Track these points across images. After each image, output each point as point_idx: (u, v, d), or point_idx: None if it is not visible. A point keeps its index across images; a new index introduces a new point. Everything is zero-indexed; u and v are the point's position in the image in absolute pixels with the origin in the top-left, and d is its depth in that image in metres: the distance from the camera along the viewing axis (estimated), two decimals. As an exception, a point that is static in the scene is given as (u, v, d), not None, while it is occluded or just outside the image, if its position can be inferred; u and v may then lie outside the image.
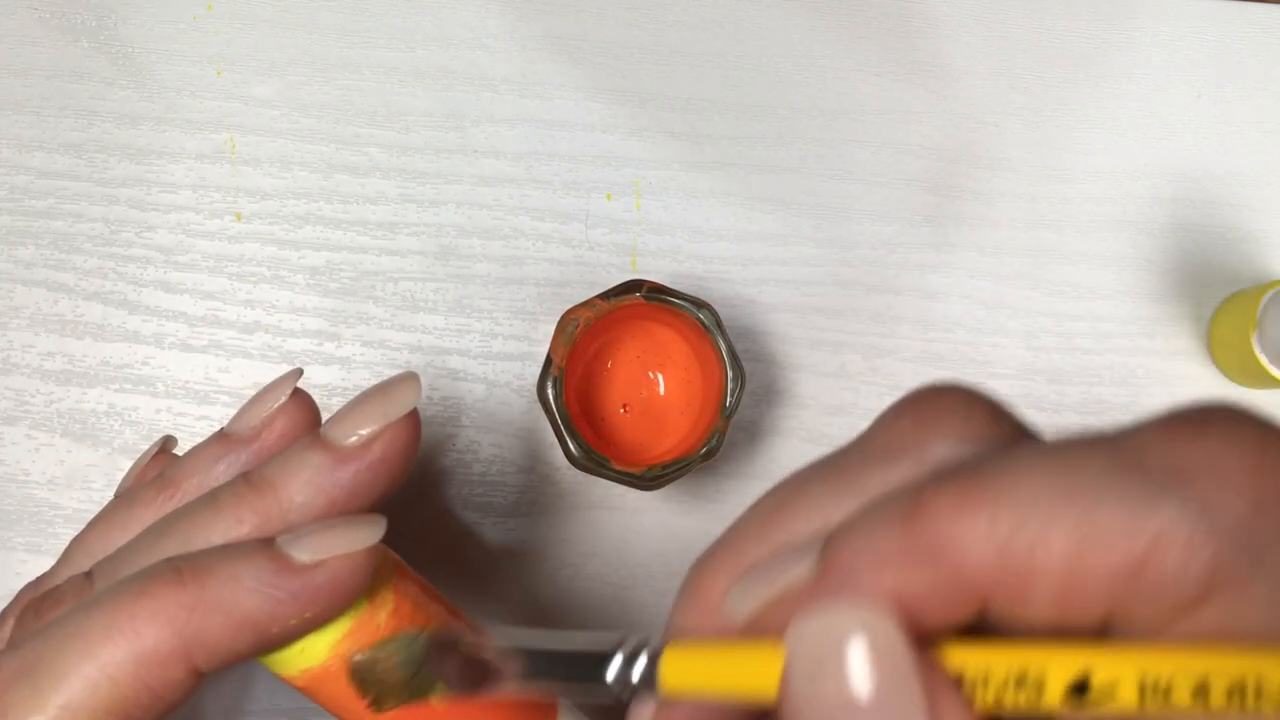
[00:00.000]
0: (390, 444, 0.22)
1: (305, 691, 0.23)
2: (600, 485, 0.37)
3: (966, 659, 0.14)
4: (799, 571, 0.15)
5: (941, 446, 0.16)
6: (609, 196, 0.39)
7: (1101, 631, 0.14)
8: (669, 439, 0.36)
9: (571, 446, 0.32)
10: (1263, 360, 0.37)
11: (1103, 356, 0.40)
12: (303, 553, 0.20)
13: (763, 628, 0.16)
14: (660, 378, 0.36)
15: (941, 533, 0.14)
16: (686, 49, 0.40)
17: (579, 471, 0.33)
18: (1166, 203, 0.41)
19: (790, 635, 0.15)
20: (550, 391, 0.32)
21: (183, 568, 0.20)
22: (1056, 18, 0.41)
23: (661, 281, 0.33)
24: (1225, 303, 0.40)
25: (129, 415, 0.36)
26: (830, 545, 0.15)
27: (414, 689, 0.21)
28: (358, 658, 0.22)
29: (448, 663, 0.21)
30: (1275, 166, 0.41)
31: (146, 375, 0.37)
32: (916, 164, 0.40)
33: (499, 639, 0.20)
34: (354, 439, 0.22)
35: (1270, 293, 0.37)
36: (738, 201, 0.39)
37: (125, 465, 0.36)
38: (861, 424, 0.42)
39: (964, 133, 0.40)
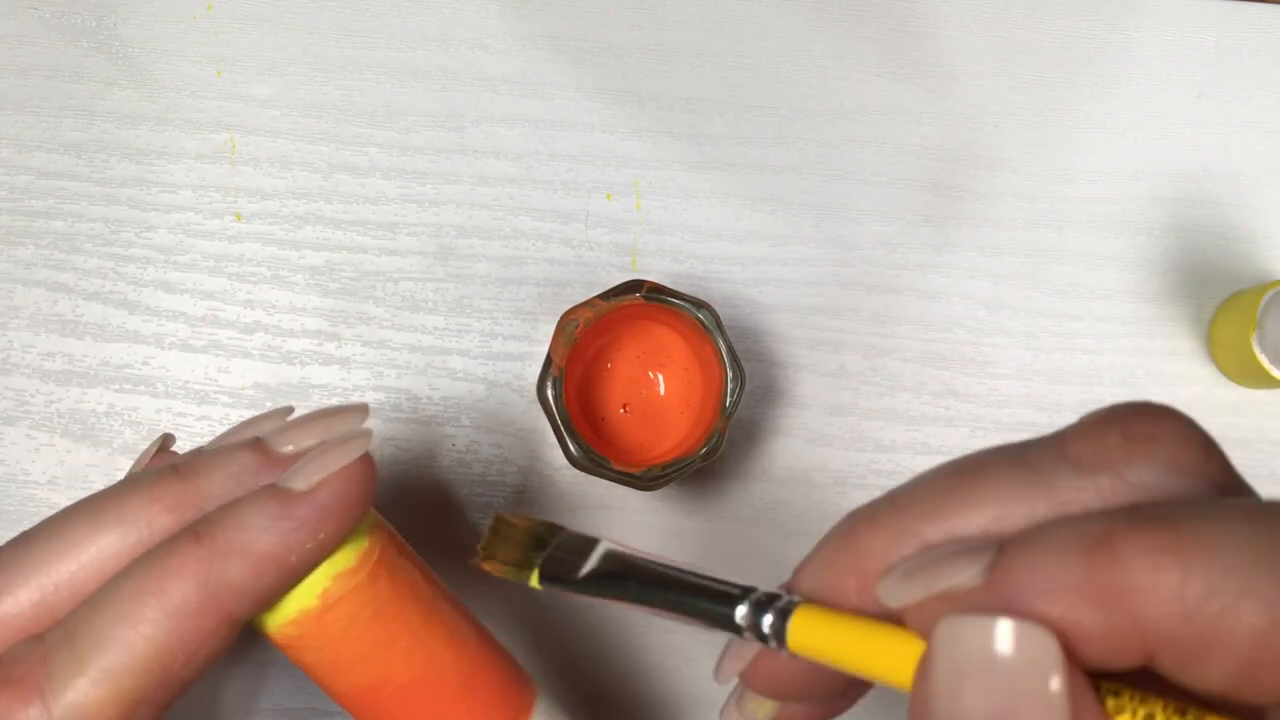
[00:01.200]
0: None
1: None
2: (600, 485, 0.37)
3: (1124, 708, 0.14)
4: (966, 576, 0.15)
5: (1149, 472, 0.15)
6: (609, 196, 0.39)
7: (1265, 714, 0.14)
8: (669, 439, 0.36)
9: (571, 447, 0.32)
10: (1263, 360, 0.37)
11: (1103, 356, 0.40)
12: (300, 482, 0.21)
13: (910, 617, 0.16)
14: (660, 378, 0.36)
15: (1128, 578, 0.13)
16: (686, 49, 0.40)
17: (579, 471, 0.33)
18: (1166, 203, 0.41)
19: (941, 634, 0.15)
20: (550, 391, 0.32)
21: (197, 527, 0.21)
22: (1056, 18, 0.41)
23: (661, 281, 0.33)
24: (1225, 303, 0.40)
25: (129, 415, 0.36)
26: (1005, 556, 0.15)
27: (518, 565, 0.22)
28: (506, 514, 0.23)
29: (561, 562, 0.22)
30: (1275, 166, 0.41)
31: (146, 375, 0.37)
32: (916, 164, 0.40)
33: (640, 560, 0.21)
34: (289, 448, 0.22)
35: (1270, 293, 0.37)
36: (738, 201, 0.39)
37: (125, 465, 0.36)
38: (862, 424, 0.42)
39: (964, 133, 0.40)
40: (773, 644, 0.18)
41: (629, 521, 0.37)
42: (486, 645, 0.25)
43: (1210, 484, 0.15)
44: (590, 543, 0.22)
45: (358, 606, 0.22)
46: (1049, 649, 0.14)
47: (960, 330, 0.39)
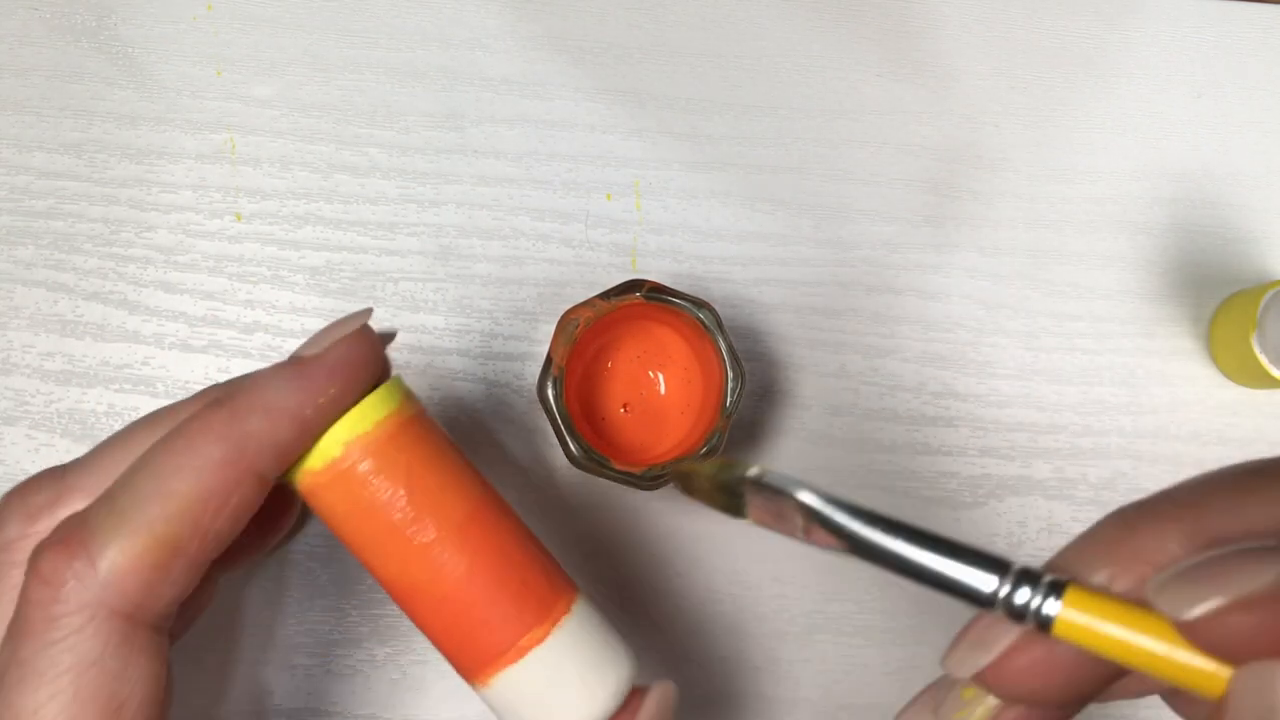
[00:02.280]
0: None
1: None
2: (600, 485, 0.37)
3: None
4: (1266, 579, 0.13)
5: None
6: (609, 196, 0.39)
7: None
8: (669, 439, 0.36)
9: (571, 446, 0.32)
10: (1263, 360, 0.37)
11: (1103, 356, 0.40)
12: (309, 349, 0.24)
13: (1192, 629, 0.14)
14: (660, 378, 0.36)
15: None
16: (686, 49, 0.40)
17: (579, 471, 0.33)
18: (1166, 203, 0.41)
19: (1246, 683, 0.13)
20: (550, 391, 0.32)
21: (219, 394, 0.23)
22: (1056, 18, 0.41)
23: (661, 281, 0.33)
24: (1225, 303, 0.40)
25: (129, 415, 0.36)
26: None
27: (725, 506, 0.22)
28: (685, 464, 0.23)
29: (763, 503, 0.20)
30: (1275, 166, 0.41)
31: (146, 375, 0.37)
32: (916, 164, 0.40)
33: (858, 516, 0.19)
34: (312, 351, 0.25)
35: (1270, 293, 0.37)
36: (738, 201, 0.39)
37: (125, 465, 0.36)
38: (863, 424, 0.42)
39: (964, 133, 0.40)
40: (1029, 624, 0.16)
41: (629, 521, 0.37)
42: (523, 548, 0.26)
43: None
44: (793, 482, 0.19)
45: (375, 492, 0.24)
46: None
47: (960, 330, 0.39)
